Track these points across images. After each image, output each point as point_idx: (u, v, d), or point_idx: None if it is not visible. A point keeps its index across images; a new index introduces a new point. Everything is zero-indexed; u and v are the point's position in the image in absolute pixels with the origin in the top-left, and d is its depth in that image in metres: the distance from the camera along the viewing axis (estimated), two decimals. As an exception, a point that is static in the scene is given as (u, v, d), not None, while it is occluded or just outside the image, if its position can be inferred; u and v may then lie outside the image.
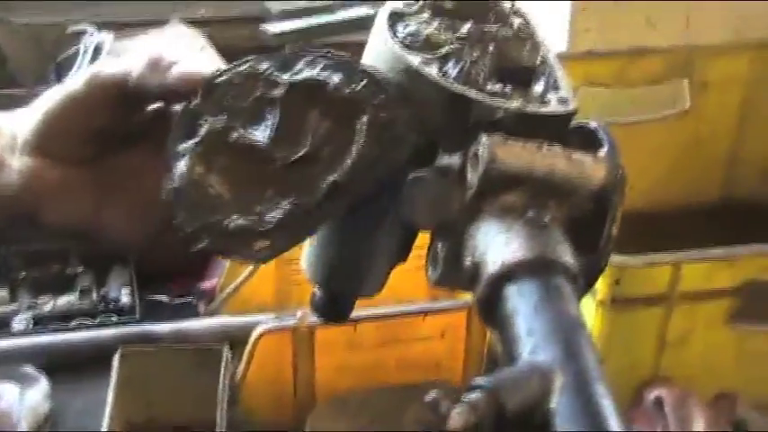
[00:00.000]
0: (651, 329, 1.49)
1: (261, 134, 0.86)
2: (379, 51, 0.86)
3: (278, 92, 0.85)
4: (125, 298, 1.95)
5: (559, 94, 0.86)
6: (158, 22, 2.28)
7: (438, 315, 1.59)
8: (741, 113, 2.12)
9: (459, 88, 0.81)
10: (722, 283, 1.48)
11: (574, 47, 2.21)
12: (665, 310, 1.47)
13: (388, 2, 0.92)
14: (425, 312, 1.60)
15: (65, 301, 1.97)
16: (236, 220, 0.85)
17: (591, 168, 0.81)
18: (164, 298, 1.97)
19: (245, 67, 0.88)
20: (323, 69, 0.88)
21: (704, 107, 2.10)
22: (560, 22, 2.23)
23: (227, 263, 1.86)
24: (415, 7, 0.89)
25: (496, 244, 0.77)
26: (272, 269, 1.77)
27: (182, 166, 0.85)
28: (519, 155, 0.79)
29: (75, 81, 0.86)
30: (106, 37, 2.19)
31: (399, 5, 0.90)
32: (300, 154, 0.84)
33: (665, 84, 2.08)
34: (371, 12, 2.36)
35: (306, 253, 0.99)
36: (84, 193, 0.88)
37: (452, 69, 0.83)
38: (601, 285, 1.44)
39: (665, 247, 2.05)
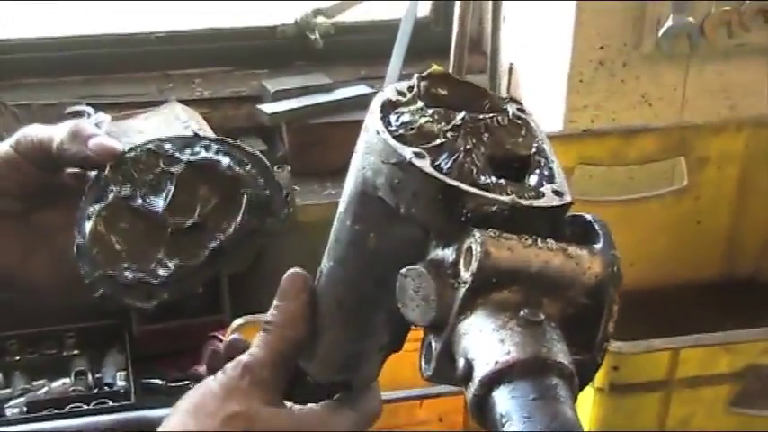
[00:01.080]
0: (651, 415, 1.47)
1: (159, 203, 1.02)
2: (372, 142, 0.85)
3: (177, 168, 1.02)
4: (120, 382, 1.93)
5: (554, 186, 0.84)
6: (156, 102, 2.29)
7: (435, 400, 1.58)
8: (739, 190, 2.11)
9: (451, 181, 0.80)
10: (722, 367, 1.46)
11: (570, 124, 2.22)
12: (664, 395, 1.46)
13: (383, 89, 0.92)
14: (423, 397, 1.58)
15: (59, 384, 1.95)
16: (132, 274, 0.99)
17: (587, 263, 0.80)
18: (159, 381, 1.95)
19: (151, 145, 1.04)
20: (216, 153, 1.05)
21: (702, 184, 2.10)
22: (556, 100, 2.24)
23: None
24: (410, 96, 0.88)
25: (490, 343, 0.76)
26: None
27: (88, 225, 1.01)
28: (513, 251, 0.78)
29: (6, 142, 0.98)
30: (104, 117, 2.19)
31: (393, 94, 0.89)
32: (190, 222, 1.00)
33: (662, 161, 2.08)
34: (370, 91, 2.36)
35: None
36: (12, 245, 1.00)
37: (445, 162, 0.82)
38: (599, 372, 1.42)
39: (666, 325, 2.04)
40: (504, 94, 2.45)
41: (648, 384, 1.45)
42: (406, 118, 0.84)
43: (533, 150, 0.86)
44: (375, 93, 2.43)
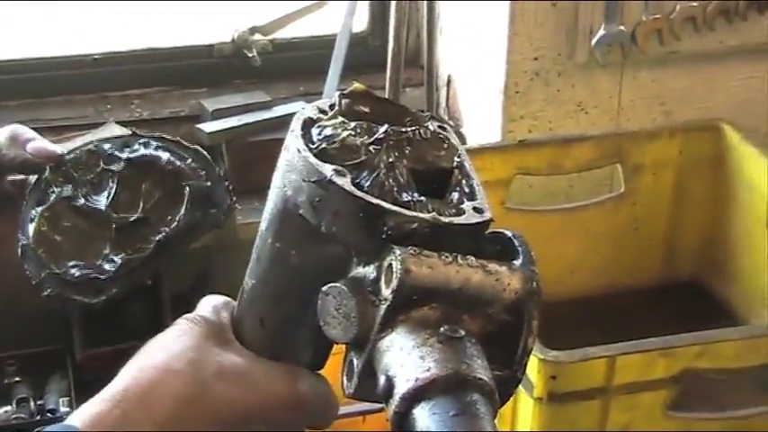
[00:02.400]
0: (591, 423, 1.48)
1: (101, 201, 1.04)
2: (293, 161, 0.85)
3: (117, 166, 1.06)
4: (64, 408, 1.92)
5: (475, 203, 0.85)
6: (94, 124, 2.27)
7: (378, 415, 1.58)
8: (675, 195, 2.14)
9: (372, 199, 0.81)
10: (659, 373, 1.48)
11: (508, 134, 2.24)
12: (603, 402, 1.47)
13: (303, 107, 0.92)
14: (365, 413, 1.58)
15: (1, 412, 1.93)
16: (78, 271, 1.02)
17: (506, 279, 0.80)
18: (102, 406, 1.93)
19: (90, 146, 1.07)
20: (156, 149, 1.09)
21: (639, 191, 2.12)
22: (494, 111, 2.25)
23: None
24: (331, 114, 0.89)
25: (410, 360, 0.76)
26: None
27: (32, 227, 1.03)
28: (433, 268, 0.79)
29: None
30: (40, 141, 2.17)
31: (314, 112, 0.89)
32: (134, 217, 1.04)
33: (599, 169, 2.10)
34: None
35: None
36: None
37: (366, 179, 0.82)
38: (537, 381, 1.43)
39: (607, 331, 2.06)
40: (442, 105, 2.47)
41: (587, 392, 1.46)
42: (328, 132, 0.85)
43: (455, 164, 0.87)
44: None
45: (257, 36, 2.46)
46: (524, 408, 1.47)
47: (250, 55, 2.43)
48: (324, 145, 0.83)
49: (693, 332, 1.54)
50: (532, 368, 1.45)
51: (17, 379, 2.00)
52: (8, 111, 2.33)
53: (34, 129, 2.21)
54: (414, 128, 0.87)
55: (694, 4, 2.18)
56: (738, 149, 2.06)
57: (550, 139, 2.08)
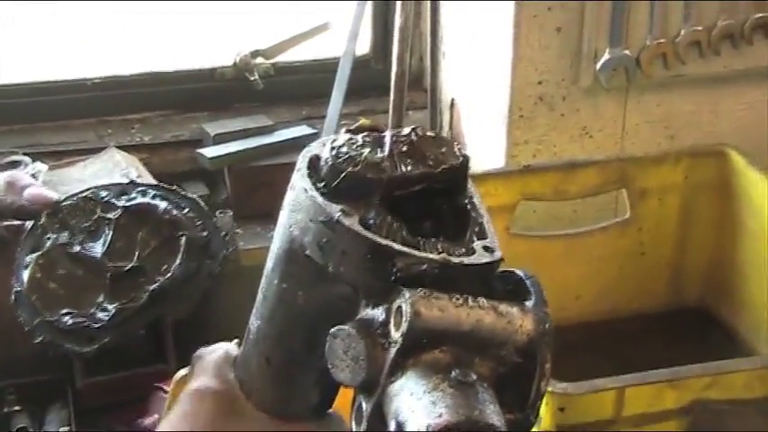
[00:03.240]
0: (599, 455, 1.46)
1: (97, 249, 1.04)
2: (299, 200, 0.83)
3: (114, 214, 1.07)
4: (63, 437, 1.89)
5: (485, 242, 0.84)
6: (94, 149, 2.26)
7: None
8: (681, 220, 2.12)
9: (381, 240, 0.79)
10: (668, 404, 1.46)
11: (512, 158, 2.22)
12: (612, 434, 1.45)
13: (309, 146, 0.91)
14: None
15: (0, 442, 1.90)
16: (71, 319, 1.02)
17: (518, 321, 0.79)
18: (104, 436, 1.91)
19: (87, 193, 1.08)
20: (153, 197, 1.08)
21: (644, 216, 2.10)
22: (498, 135, 2.24)
23: (167, 398, 1.81)
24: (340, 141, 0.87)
25: (421, 405, 0.74)
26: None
27: (26, 273, 1.03)
28: (444, 311, 0.77)
29: None
30: (41, 167, 2.16)
31: (320, 149, 0.88)
32: (129, 266, 1.04)
33: (604, 194, 2.09)
34: (312, 131, 2.35)
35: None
36: None
37: (374, 219, 0.81)
38: (545, 414, 1.41)
39: (613, 357, 2.04)
40: (446, 129, 2.45)
41: (595, 424, 1.44)
42: (344, 150, 0.83)
43: (460, 162, 0.86)
44: (317, 133, 2.43)
45: (259, 59, 2.44)
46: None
47: (252, 78, 2.41)
48: (346, 167, 0.81)
49: (702, 362, 1.52)
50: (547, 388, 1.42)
51: (17, 408, 1.96)
52: (6, 135, 2.32)
53: (33, 154, 2.20)
54: (409, 130, 0.86)
55: (699, 28, 2.17)
56: (744, 174, 2.04)
57: (555, 165, 2.06)
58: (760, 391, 1.51)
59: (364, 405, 0.79)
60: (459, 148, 0.84)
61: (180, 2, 2.48)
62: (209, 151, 2.24)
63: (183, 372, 1.69)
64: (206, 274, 1.07)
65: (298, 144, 2.28)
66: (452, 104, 2.43)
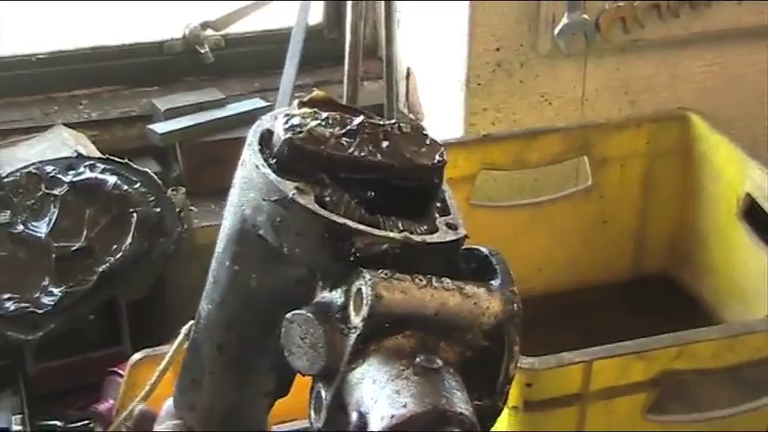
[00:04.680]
0: (568, 430, 1.43)
1: (41, 228, 0.98)
2: (251, 177, 0.78)
3: (60, 190, 1.00)
4: (16, 426, 1.83)
5: (448, 219, 0.79)
6: (41, 127, 2.19)
7: None
8: (643, 187, 2.09)
9: (338, 219, 0.74)
10: (636, 376, 1.43)
11: (470, 127, 2.18)
12: (580, 409, 1.42)
13: (260, 119, 0.86)
14: None
15: (-50, 432, 1.84)
16: (14, 305, 0.95)
17: (485, 302, 0.75)
18: (58, 423, 1.85)
19: (31, 168, 1.02)
20: (102, 172, 1.02)
21: (606, 183, 2.07)
22: (455, 104, 2.20)
23: (122, 383, 1.76)
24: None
25: (385, 395, 0.70)
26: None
27: None
28: (406, 293, 0.73)
29: None
30: (-14, 145, 2.09)
31: (271, 123, 0.82)
32: (76, 246, 0.99)
33: (565, 162, 2.05)
34: (265, 104, 2.29)
35: (179, 397, 0.92)
36: None
37: (331, 196, 0.76)
38: (512, 390, 1.37)
39: (579, 328, 2.01)
40: (402, 99, 2.40)
41: (563, 399, 1.41)
42: (295, 121, 0.78)
43: (435, 162, 0.80)
44: (270, 106, 2.37)
45: (209, 31, 2.38)
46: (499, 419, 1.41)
47: (202, 51, 2.35)
48: (290, 135, 0.76)
49: (668, 331, 1.49)
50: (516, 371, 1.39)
51: (-33, 397, 1.91)
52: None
53: (-23, 133, 2.12)
54: (392, 122, 0.81)
55: (659, -10, 2.13)
56: (707, 139, 2.01)
57: (515, 133, 2.02)
58: (728, 359, 1.49)
59: (323, 394, 0.75)
60: (440, 152, 0.78)
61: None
62: (160, 127, 2.18)
63: (137, 355, 1.64)
64: (159, 253, 1.01)
65: (251, 118, 2.19)
66: (408, 74, 2.38)
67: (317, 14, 2.46)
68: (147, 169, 1.00)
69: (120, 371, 1.83)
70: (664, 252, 2.16)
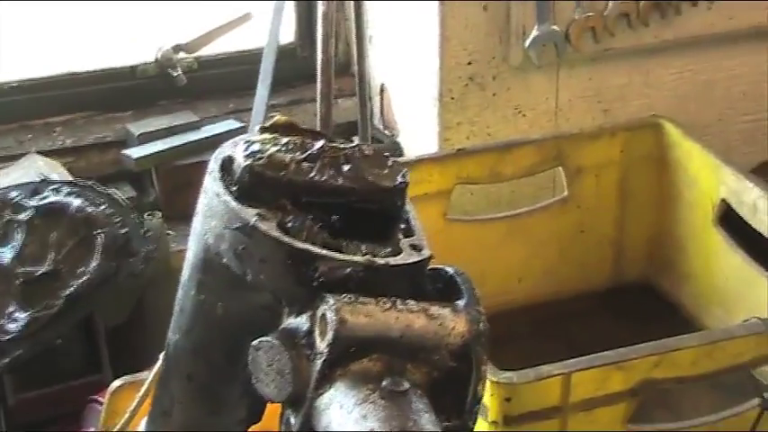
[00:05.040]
0: (549, 443, 1.43)
1: (6, 254, 0.98)
2: (212, 205, 0.78)
3: (25, 215, 1.00)
4: (-4, 457, 1.82)
5: (412, 240, 0.79)
6: (15, 156, 2.18)
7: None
8: (619, 196, 2.10)
9: (300, 244, 0.74)
10: (616, 387, 1.43)
11: (445, 142, 2.18)
12: (560, 421, 1.42)
13: (221, 146, 0.85)
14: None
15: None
16: None
17: (450, 323, 0.74)
18: (38, 453, 1.85)
19: None
20: (67, 195, 1.02)
21: (582, 193, 2.07)
22: (430, 119, 2.20)
23: (102, 411, 1.75)
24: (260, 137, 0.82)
25: (352, 420, 0.70)
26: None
27: None
28: (371, 316, 0.72)
29: None
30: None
31: (232, 150, 0.82)
32: (42, 271, 0.98)
33: (541, 173, 2.05)
34: (239, 125, 2.29)
35: (151, 428, 0.91)
36: None
37: (293, 222, 0.76)
38: (491, 404, 1.37)
39: (559, 338, 2.01)
40: (377, 115, 2.41)
41: (543, 412, 1.41)
42: (255, 147, 0.78)
43: (397, 184, 0.80)
44: (245, 127, 2.37)
45: (182, 54, 2.37)
46: (479, 432, 1.42)
47: (175, 74, 2.35)
48: (249, 162, 0.76)
49: (648, 338, 1.49)
50: (485, 391, 1.38)
51: (-54, 430, 1.90)
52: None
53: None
54: (353, 145, 0.80)
55: (627, 0, 2.14)
56: (680, 146, 2.02)
57: (489, 146, 2.02)
58: (707, 366, 1.49)
59: (292, 420, 0.75)
60: (402, 174, 0.78)
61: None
62: (134, 152, 2.17)
63: (117, 383, 1.63)
64: (127, 273, 1.01)
65: (225, 139, 2.21)
66: (382, 90, 2.38)
67: (288, 33, 2.46)
68: (112, 191, 0.99)
69: (100, 399, 1.82)
70: (642, 260, 2.16)
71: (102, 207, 0.99)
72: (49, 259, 0.96)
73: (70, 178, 2.09)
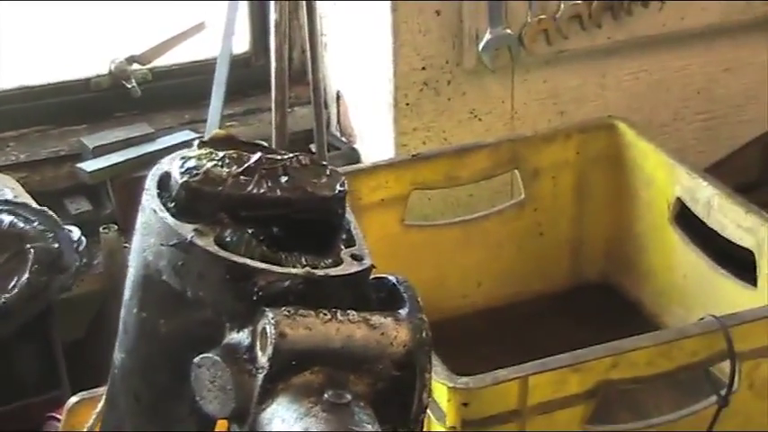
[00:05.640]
0: (508, 447, 1.43)
1: None
2: (150, 222, 0.77)
3: None
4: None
5: (353, 250, 0.79)
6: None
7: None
8: (576, 197, 2.10)
9: (238, 258, 0.74)
10: (573, 389, 1.43)
11: (402, 147, 2.18)
12: (519, 425, 1.41)
13: (159, 162, 0.85)
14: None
15: None
16: None
17: (392, 332, 0.74)
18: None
19: None
20: None
21: (539, 196, 2.07)
22: (386, 125, 2.20)
23: (60, 427, 1.73)
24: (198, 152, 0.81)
25: (295, 434, 0.69)
26: None
27: None
28: (311, 329, 0.72)
29: None
30: None
31: (168, 166, 0.81)
32: None
33: (497, 177, 2.05)
34: (195, 136, 2.28)
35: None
36: None
37: (231, 236, 0.75)
38: (449, 410, 1.37)
39: (519, 341, 2.01)
40: (333, 123, 2.40)
41: (501, 416, 1.41)
42: (191, 163, 0.77)
43: (336, 193, 0.80)
44: (201, 137, 2.36)
45: (135, 66, 2.36)
46: (438, 440, 1.41)
47: (129, 86, 2.33)
48: (186, 178, 0.76)
49: (610, 338, 1.49)
50: (442, 396, 1.38)
51: None
52: None
53: None
54: (290, 156, 0.80)
55: (579, 2, 2.15)
56: (635, 146, 2.03)
57: (444, 151, 2.02)
58: (664, 365, 1.49)
59: (237, 434, 0.74)
60: (341, 182, 0.78)
61: (49, 8, 2.38)
62: (89, 165, 2.16)
63: (74, 399, 1.62)
64: (58, 287, 1.01)
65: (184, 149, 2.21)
66: (338, 97, 2.38)
67: (243, 43, 2.45)
68: (45, 209, 0.99)
69: (58, 416, 1.80)
70: (601, 260, 2.17)
71: (35, 223, 0.99)
72: (-22, 274, 0.96)
73: (26, 194, 2.08)
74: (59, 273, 0.99)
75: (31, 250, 0.98)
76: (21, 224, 0.99)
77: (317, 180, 0.78)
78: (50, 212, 1.01)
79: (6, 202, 1.01)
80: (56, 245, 0.99)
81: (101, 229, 2.03)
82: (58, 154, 2.27)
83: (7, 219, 1.00)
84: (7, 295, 0.96)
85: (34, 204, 1.01)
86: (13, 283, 0.97)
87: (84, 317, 2.20)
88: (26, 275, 0.98)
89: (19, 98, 2.33)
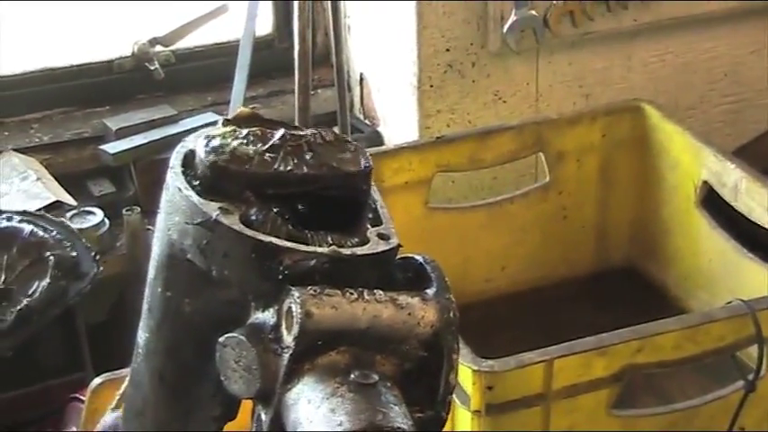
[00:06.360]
0: (532, 431, 1.42)
1: None
2: (175, 201, 0.76)
3: None
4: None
5: (380, 229, 0.77)
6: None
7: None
8: (601, 180, 2.08)
9: (263, 237, 0.73)
10: (598, 372, 1.41)
11: (425, 130, 2.17)
12: (543, 409, 1.40)
13: (184, 140, 0.84)
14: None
15: None
16: None
17: (420, 312, 0.73)
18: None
19: None
20: (19, 222, 1.06)
21: (564, 179, 2.06)
22: (409, 107, 2.18)
23: (84, 409, 1.73)
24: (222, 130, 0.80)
25: (320, 415, 0.68)
26: None
27: None
28: (337, 308, 0.71)
29: None
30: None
31: (193, 144, 0.80)
32: None
33: (522, 159, 2.04)
34: (218, 118, 2.27)
35: (125, 429, 0.90)
36: None
37: (256, 215, 0.74)
38: (473, 393, 1.36)
39: (544, 325, 2.00)
40: (357, 105, 2.39)
41: (526, 400, 1.40)
42: (216, 142, 0.76)
43: (362, 168, 0.79)
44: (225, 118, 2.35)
45: (158, 48, 2.36)
46: (462, 422, 1.40)
47: (152, 68, 2.33)
48: (212, 157, 0.75)
49: (634, 323, 1.48)
50: (467, 380, 1.37)
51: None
52: None
53: None
54: (313, 131, 0.79)
55: (605, -18, 2.13)
56: (661, 128, 2.00)
57: (468, 134, 2.01)
58: (690, 350, 1.47)
59: (263, 416, 0.73)
60: (366, 157, 0.77)
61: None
62: (112, 147, 2.15)
63: (98, 380, 1.62)
64: (75, 293, 1.04)
65: (205, 132, 2.20)
66: (362, 79, 2.37)
67: (266, 25, 2.44)
68: (63, 219, 1.01)
69: (81, 397, 1.80)
70: (626, 244, 2.15)
71: (54, 233, 1.02)
72: (1, 280, 0.99)
73: (49, 176, 2.08)
74: (77, 279, 1.02)
75: (51, 258, 1.01)
76: (41, 233, 1.02)
77: (342, 155, 0.77)
78: (68, 223, 1.03)
79: (26, 213, 1.03)
80: (74, 253, 1.02)
81: (124, 210, 2.03)
82: (81, 136, 2.27)
83: (28, 228, 1.02)
84: (29, 299, 0.98)
85: (51, 216, 1.03)
86: (34, 288, 0.99)
87: (107, 299, 2.20)
88: (47, 280, 1.00)
89: (42, 80, 2.33)
